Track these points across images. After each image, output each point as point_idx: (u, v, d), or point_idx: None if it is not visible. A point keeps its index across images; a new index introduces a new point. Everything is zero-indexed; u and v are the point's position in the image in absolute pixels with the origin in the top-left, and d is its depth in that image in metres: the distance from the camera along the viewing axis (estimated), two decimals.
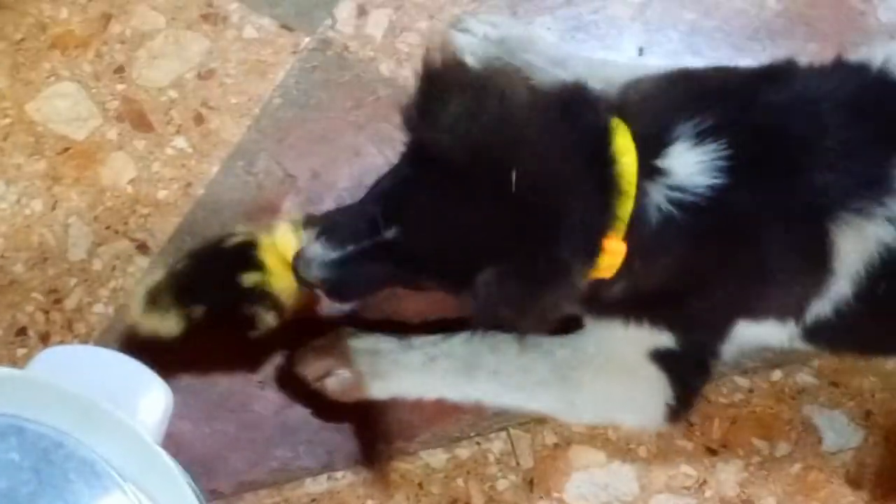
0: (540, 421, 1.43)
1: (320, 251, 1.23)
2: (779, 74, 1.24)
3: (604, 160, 1.16)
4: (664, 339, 1.30)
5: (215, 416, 1.41)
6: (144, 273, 1.42)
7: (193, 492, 0.97)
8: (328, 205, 1.51)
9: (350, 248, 1.22)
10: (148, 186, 1.49)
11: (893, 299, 1.21)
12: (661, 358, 1.33)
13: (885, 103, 1.21)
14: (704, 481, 1.42)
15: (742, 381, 1.41)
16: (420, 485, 1.39)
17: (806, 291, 1.25)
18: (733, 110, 1.20)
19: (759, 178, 1.18)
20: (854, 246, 1.20)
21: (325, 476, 1.41)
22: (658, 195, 1.18)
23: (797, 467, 1.41)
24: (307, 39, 1.59)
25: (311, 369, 1.38)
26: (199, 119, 1.52)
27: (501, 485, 1.40)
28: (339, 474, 1.41)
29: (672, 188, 1.18)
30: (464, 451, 1.41)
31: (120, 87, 1.56)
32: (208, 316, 1.35)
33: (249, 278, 1.33)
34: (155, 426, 1.08)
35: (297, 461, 1.41)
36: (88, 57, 1.55)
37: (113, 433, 0.95)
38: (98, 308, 1.41)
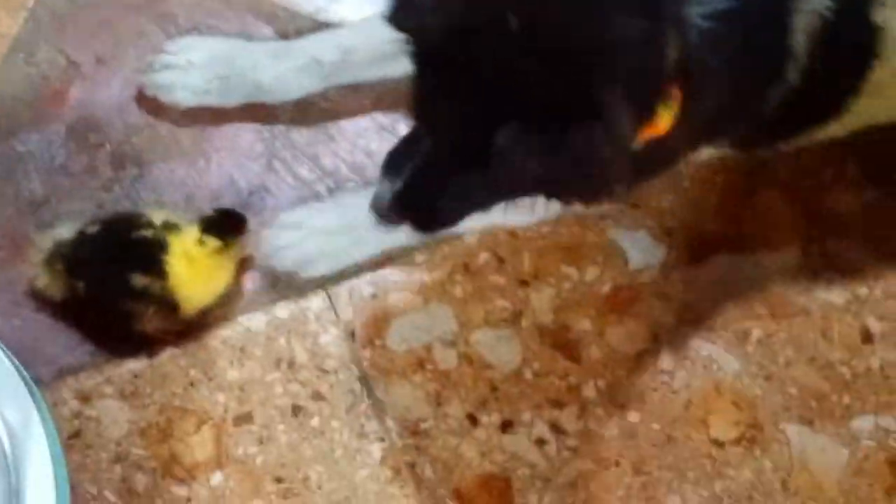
0: (356, 273, 1.45)
1: (386, 187, 1.17)
2: None
3: None
4: None
5: (23, 307, 1.41)
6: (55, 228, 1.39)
7: (11, 362, 0.96)
8: (117, 91, 1.49)
9: (408, 169, 1.15)
10: None
11: None
12: None
13: None
14: (520, 312, 1.46)
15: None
16: (242, 349, 1.41)
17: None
18: None
19: None
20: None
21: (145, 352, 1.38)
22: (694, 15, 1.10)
23: (607, 288, 1.45)
24: None
25: None
26: None
27: (324, 339, 1.42)
28: (146, 349, 1.40)
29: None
30: (283, 312, 1.42)
31: None
32: (88, 295, 1.35)
33: (140, 280, 1.34)
34: None
35: (103, 341, 1.40)
36: None
37: None
38: None
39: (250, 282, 1.44)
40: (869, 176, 1.53)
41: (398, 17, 1.10)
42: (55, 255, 1.35)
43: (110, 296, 1.36)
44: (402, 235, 1.27)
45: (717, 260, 1.50)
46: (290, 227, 1.39)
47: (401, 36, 1.11)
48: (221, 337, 1.42)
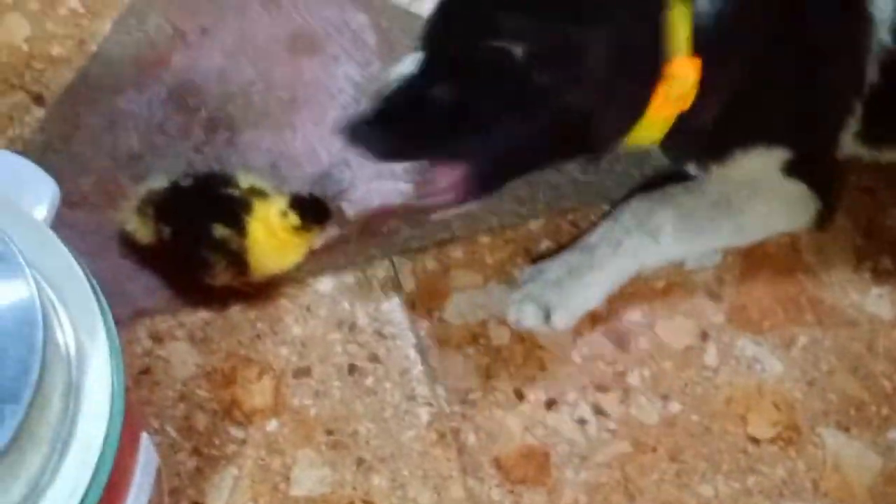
0: (421, 249, 1.53)
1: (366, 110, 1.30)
2: None
3: None
4: (780, 153, 1.41)
5: (112, 249, 1.51)
6: (154, 179, 1.51)
7: (89, 282, 1.05)
8: (217, 60, 1.61)
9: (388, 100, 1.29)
10: (42, 43, 1.60)
11: None
12: (792, 169, 1.43)
13: None
14: None
15: None
16: (308, 308, 1.49)
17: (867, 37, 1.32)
18: None
19: None
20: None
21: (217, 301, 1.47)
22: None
23: (661, 283, 1.52)
24: None
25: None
26: None
27: (385, 306, 1.50)
28: (214, 304, 1.49)
29: None
30: (349, 278, 1.51)
31: None
32: (173, 240, 1.46)
33: (221, 231, 1.44)
34: (45, 219, 1.17)
35: (178, 289, 1.50)
36: None
37: (11, 220, 1.03)
38: None
39: (320, 246, 1.51)
40: None
41: None
42: (147, 202, 1.46)
43: (191, 242, 1.45)
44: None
45: (770, 267, 1.54)
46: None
47: None
48: (290, 295, 1.51)
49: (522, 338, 1.49)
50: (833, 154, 1.46)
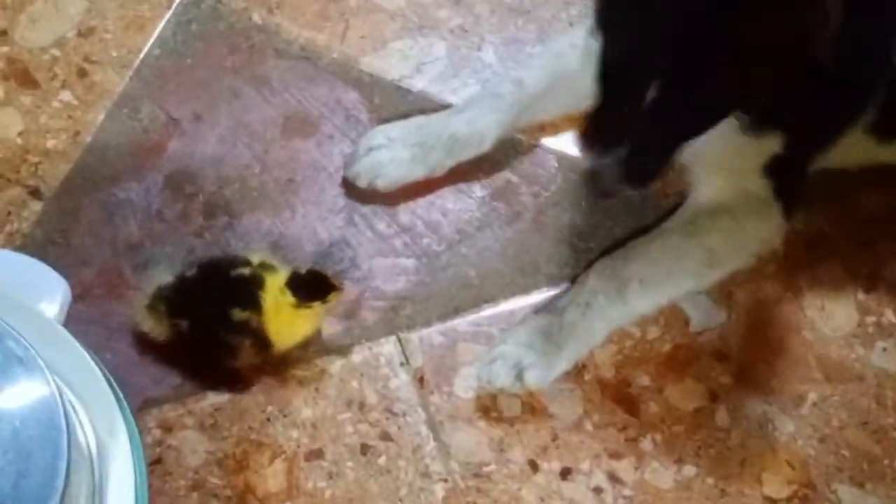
0: (427, 324, 1.54)
1: (602, 160, 1.28)
2: None
3: None
4: (775, 144, 1.39)
5: (117, 340, 1.51)
6: (159, 274, 1.52)
7: (105, 377, 1.06)
8: (212, 145, 1.64)
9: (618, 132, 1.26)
10: (37, 137, 1.61)
11: None
12: (772, 168, 1.43)
13: None
14: (583, 366, 1.55)
15: None
16: (317, 389, 1.50)
17: None
18: None
19: None
20: None
21: (225, 388, 1.50)
22: None
23: (667, 347, 1.53)
24: None
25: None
26: (82, 73, 1.65)
27: (394, 384, 1.51)
28: (238, 385, 1.50)
29: None
30: (356, 357, 1.53)
31: (4, 49, 1.69)
32: (192, 332, 1.46)
33: (239, 314, 1.45)
34: (56, 318, 1.18)
35: (199, 376, 1.50)
36: None
37: (26, 322, 1.03)
38: None
39: (328, 327, 1.52)
40: None
41: None
42: (157, 299, 1.47)
43: (211, 330, 1.46)
44: None
45: (775, 325, 1.55)
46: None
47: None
48: (298, 377, 1.52)
49: (534, 408, 1.50)
50: (811, 162, 1.44)
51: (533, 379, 1.46)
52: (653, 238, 1.51)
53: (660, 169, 1.30)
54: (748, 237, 1.52)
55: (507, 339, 1.49)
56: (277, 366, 1.50)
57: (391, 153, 1.59)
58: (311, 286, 1.45)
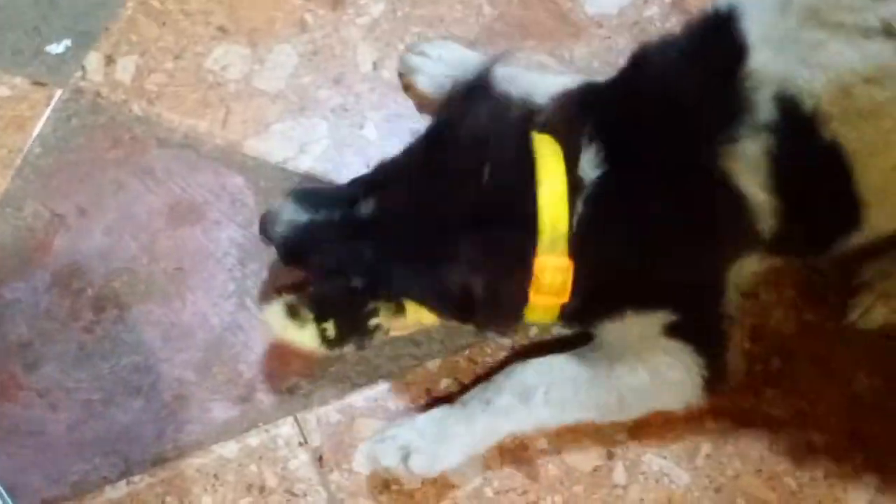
0: (324, 401, 1.58)
1: (290, 210, 1.42)
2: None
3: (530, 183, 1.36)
4: (663, 315, 1.44)
5: (11, 443, 1.54)
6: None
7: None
8: (98, 239, 1.66)
9: (321, 213, 1.40)
10: None
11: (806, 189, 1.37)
12: (675, 331, 1.45)
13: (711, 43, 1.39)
14: None
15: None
16: (215, 475, 1.53)
17: (741, 218, 1.39)
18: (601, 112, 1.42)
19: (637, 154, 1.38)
20: (747, 165, 1.36)
21: (123, 482, 1.54)
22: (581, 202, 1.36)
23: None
24: (60, 91, 1.76)
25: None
26: None
27: (293, 464, 1.55)
28: (136, 478, 1.54)
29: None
30: (254, 440, 1.55)
31: None
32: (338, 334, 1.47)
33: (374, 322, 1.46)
34: None
35: (96, 472, 1.55)
36: None
37: None
38: None
39: (222, 411, 1.55)
40: (806, 300, 1.66)
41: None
42: (295, 308, 1.49)
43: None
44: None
45: None
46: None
47: None
48: (196, 465, 1.55)
49: (434, 479, 1.53)
50: (721, 312, 1.48)
51: (417, 465, 1.49)
52: (573, 359, 1.52)
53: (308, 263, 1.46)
54: (666, 397, 1.55)
55: (404, 421, 1.52)
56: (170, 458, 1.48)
57: (432, 68, 1.77)
58: None
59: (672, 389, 1.50)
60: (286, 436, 1.56)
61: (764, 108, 1.32)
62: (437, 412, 1.52)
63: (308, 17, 1.81)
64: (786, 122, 1.32)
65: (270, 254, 1.56)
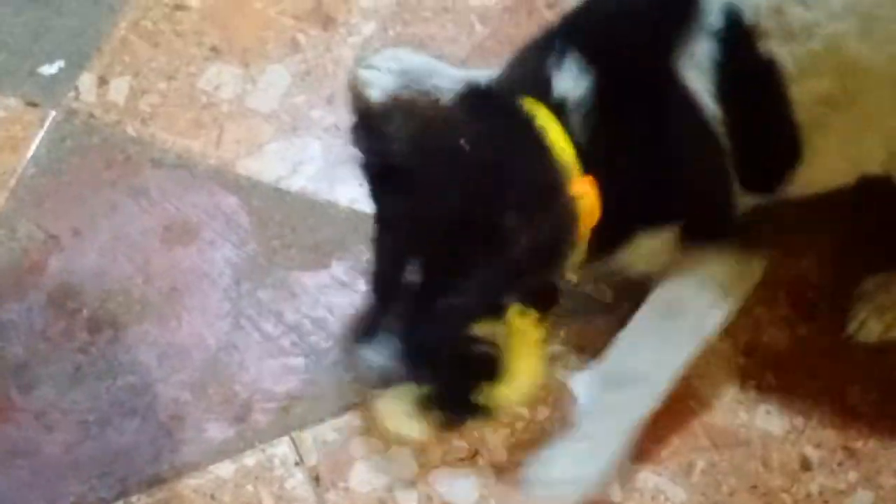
0: (320, 420, 1.59)
1: (375, 353, 1.40)
2: None
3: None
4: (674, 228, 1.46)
5: (7, 465, 1.54)
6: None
7: None
8: (92, 259, 1.67)
9: (393, 324, 1.39)
10: None
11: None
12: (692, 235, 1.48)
13: None
14: (476, 451, 1.59)
15: None
16: (212, 496, 1.54)
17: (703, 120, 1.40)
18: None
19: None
20: (697, 68, 1.39)
21: (120, 503, 1.53)
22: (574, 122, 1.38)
23: (557, 426, 1.58)
24: (54, 113, 1.77)
25: None
26: None
27: (289, 484, 1.55)
28: (133, 499, 1.54)
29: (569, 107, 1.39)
30: (250, 460, 1.56)
31: None
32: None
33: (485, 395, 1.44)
34: None
35: (92, 493, 1.55)
36: None
37: None
38: None
39: (218, 431, 1.55)
40: (799, 314, 1.66)
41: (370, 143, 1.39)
42: (400, 402, 1.50)
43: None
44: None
45: None
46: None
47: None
48: (192, 486, 1.55)
49: (431, 498, 1.55)
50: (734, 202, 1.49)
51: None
52: (631, 329, 1.54)
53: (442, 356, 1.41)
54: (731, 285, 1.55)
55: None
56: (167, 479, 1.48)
57: (382, 81, 1.80)
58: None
59: (725, 274, 1.52)
60: (282, 455, 1.56)
61: (712, 15, 1.38)
62: (566, 441, 1.51)
63: (300, 37, 1.80)
64: (729, 32, 1.37)
65: (271, 275, 1.56)
